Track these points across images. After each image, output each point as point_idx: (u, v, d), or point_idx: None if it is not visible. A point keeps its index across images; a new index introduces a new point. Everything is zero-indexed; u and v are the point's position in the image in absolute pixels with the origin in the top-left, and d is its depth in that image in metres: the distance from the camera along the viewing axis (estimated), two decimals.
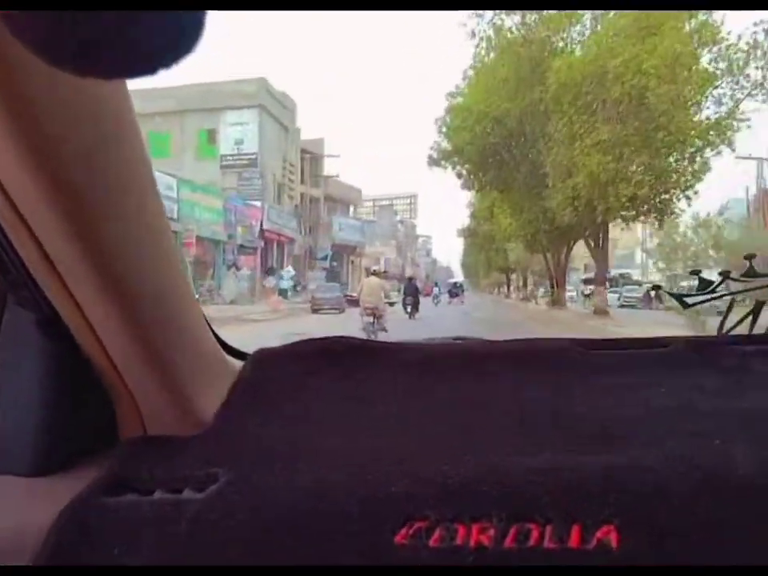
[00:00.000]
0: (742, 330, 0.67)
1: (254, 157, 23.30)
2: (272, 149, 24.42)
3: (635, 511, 0.39)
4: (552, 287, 20.54)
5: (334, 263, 33.89)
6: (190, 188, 17.59)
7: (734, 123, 12.40)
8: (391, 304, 10.09)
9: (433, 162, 18.71)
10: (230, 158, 23.44)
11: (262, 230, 21.52)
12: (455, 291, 28.93)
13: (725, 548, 0.37)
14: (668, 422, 0.50)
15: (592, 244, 15.85)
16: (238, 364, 0.62)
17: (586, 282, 25.68)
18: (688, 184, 13.17)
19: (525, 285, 31.87)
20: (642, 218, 14.66)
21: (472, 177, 18.75)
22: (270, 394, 0.58)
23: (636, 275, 32.25)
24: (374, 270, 10.07)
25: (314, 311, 17.34)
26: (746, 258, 0.63)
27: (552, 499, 0.40)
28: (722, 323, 0.68)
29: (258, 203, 21.95)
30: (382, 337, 7.41)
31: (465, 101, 17.62)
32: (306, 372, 0.61)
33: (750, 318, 0.66)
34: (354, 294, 10.40)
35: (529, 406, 0.55)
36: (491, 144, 16.64)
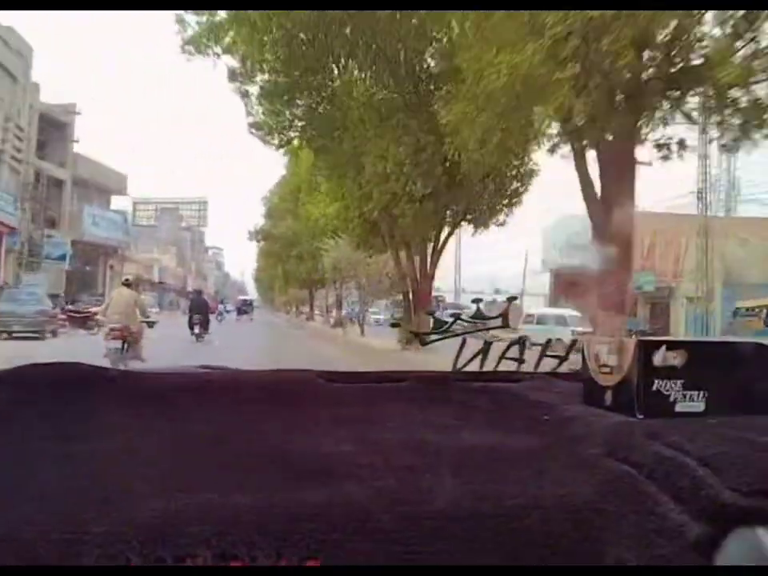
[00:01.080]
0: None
1: None
2: None
3: (340, 546, 0.47)
4: (410, 311, 15.19)
5: (87, 267, 30.39)
6: None
7: None
8: (149, 324, 8.87)
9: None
10: None
11: None
12: (244, 309, 30.61)
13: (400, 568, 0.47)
14: (388, 456, 0.62)
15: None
16: None
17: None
18: None
19: (339, 306, 29.32)
20: None
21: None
22: None
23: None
24: (126, 280, 8.80)
25: None
26: (473, 301, 0.83)
27: (259, 537, 0.46)
28: (456, 360, 0.87)
29: None
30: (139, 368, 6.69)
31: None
32: (19, 401, 0.63)
33: (480, 356, 0.87)
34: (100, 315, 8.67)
35: (256, 441, 0.63)
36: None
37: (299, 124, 14.35)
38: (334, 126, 13.73)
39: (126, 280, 8.74)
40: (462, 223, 15.40)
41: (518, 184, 14.62)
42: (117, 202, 36.29)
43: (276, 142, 14.67)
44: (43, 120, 26.36)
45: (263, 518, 0.48)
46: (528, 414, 0.75)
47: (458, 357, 0.87)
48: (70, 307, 16.64)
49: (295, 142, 15.24)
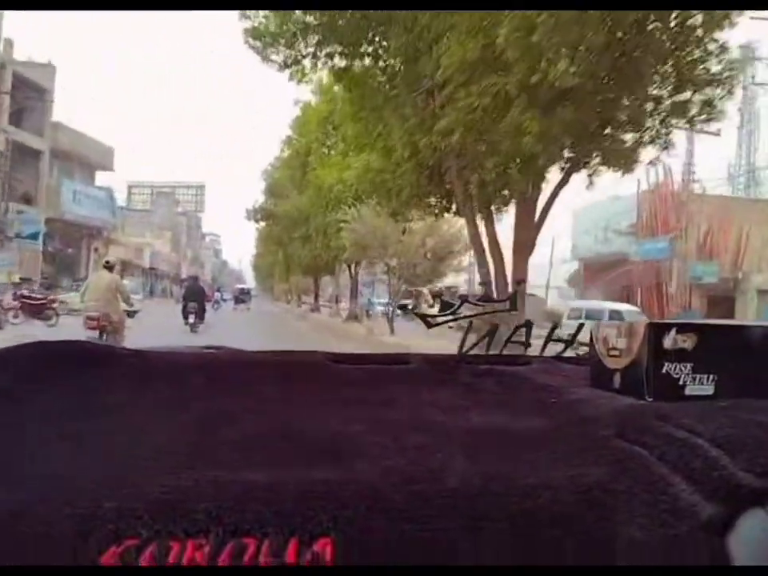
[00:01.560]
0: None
1: None
2: None
3: (351, 524, 0.51)
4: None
5: (69, 249, 30.49)
6: None
7: None
8: (130, 314, 8.62)
9: None
10: None
11: None
12: (241, 298, 31.73)
13: (433, 558, 0.50)
14: (397, 436, 0.69)
15: None
16: None
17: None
18: None
19: (355, 295, 27.25)
20: None
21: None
22: None
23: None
24: (107, 262, 8.64)
25: None
26: (481, 284, 0.90)
27: (271, 513, 0.51)
28: (462, 343, 0.95)
29: None
30: None
31: None
32: (26, 379, 0.70)
33: (487, 339, 0.94)
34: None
35: (265, 420, 0.71)
36: None
37: (314, 38, 10.45)
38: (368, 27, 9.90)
39: (107, 262, 8.65)
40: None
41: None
42: (103, 179, 36.39)
43: (280, 58, 10.90)
44: (19, 82, 26.39)
45: (275, 495, 0.53)
46: (535, 396, 0.82)
47: (463, 340, 0.95)
48: (24, 292, 15.68)
49: (306, 63, 10.99)
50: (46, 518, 0.50)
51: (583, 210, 27.79)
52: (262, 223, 38.68)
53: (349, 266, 26.81)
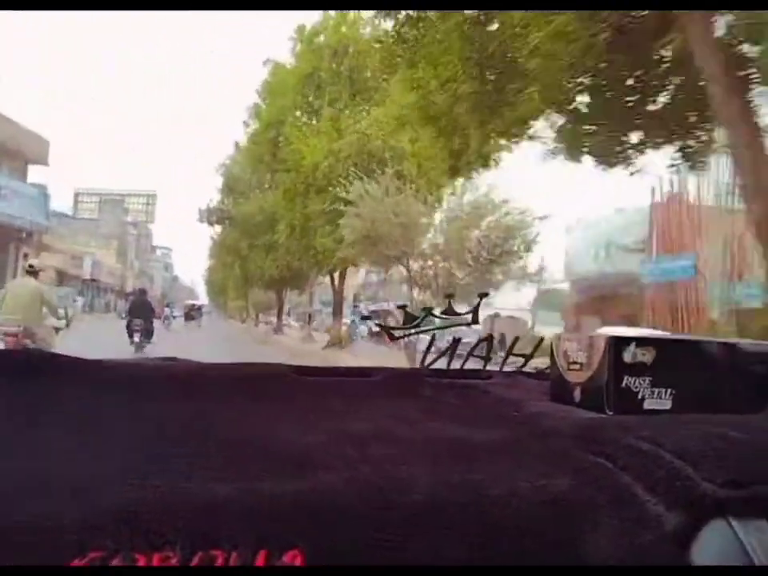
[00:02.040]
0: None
1: None
2: None
3: (320, 535, 0.56)
4: None
5: None
6: None
7: None
8: (57, 329, 7.99)
9: None
10: None
11: None
12: (192, 314, 31.91)
13: (400, 568, 0.55)
14: (362, 447, 0.76)
15: None
16: None
17: None
18: None
19: (339, 311, 23.92)
20: None
21: None
22: None
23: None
24: (31, 266, 8.18)
25: None
26: (446, 296, 1.00)
27: (240, 525, 0.56)
28: (425, 356, 1.04)
29: None
30: None
31: None
32: None
33: (449, 353, 1.04)
34: None
35: (230, 431, 0.78)
36: None
37: None
38: None
39: (31, 266, 8.16)
40: None
41: None
42: (36, 176, 35.77)
43: None
44: None
45: (242, 507, 0.58)
46: (497, 409, 0.91)
47: (426, 352, 1.04)
48: None
49: None
50: (4, 531, 0.53)
51: (578, 223, 27.35)
52: (218, 228, 37.16)
53: (331, 276, 23.22)
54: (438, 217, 13.83)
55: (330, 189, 16.34)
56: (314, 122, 18.23)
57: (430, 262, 13.82)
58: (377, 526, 0.57)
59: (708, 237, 20.67)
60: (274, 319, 37.57)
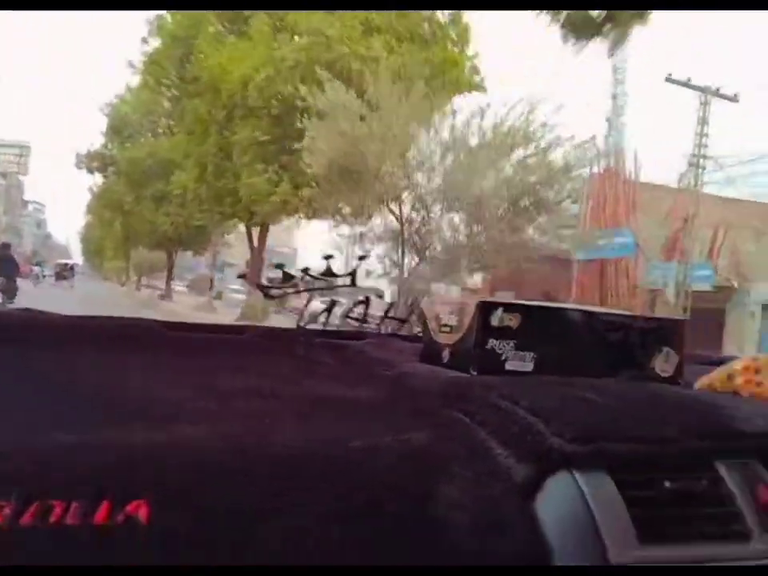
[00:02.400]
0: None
1: None
2: None
3: (171, 487, 0.58)
4: None
5: None
6: None
7: None
8: None
9: None
10: None
11: None
12: (63, 274, 30.54)
13: (255, 524, 0.57)
14: (225, 402, 0.81)
15: None
16: None
17: None
18: None
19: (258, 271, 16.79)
20: None
21: None
22: None
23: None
24: None
25: None
26: (324, 257, 1.01)
27: (81, 476, 0.57)
28: (300, 316, 1.05)
29: None
30: None
31: None
32: None
33: (326, 313, 1.05)
34: None
35: (84, 383, 0.81)
36: None
37: None
38: None
39: None
40: None
41: None
42: None
43: None
44: None
45: (85, 457, 0.59)
46: (369, 369, 0.95)
47: (302, 313, 1.05)
48: None
49: None
50: None
51: None
52: (99, 179, 32.84)
53: (249, 232, 18.74)
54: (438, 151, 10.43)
55: (266, 109, 13.53)
56: (243, 28, 14.53)
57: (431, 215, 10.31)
58: (230, 477, 0.58)
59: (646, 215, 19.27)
60: (158, 282, 35.93)
